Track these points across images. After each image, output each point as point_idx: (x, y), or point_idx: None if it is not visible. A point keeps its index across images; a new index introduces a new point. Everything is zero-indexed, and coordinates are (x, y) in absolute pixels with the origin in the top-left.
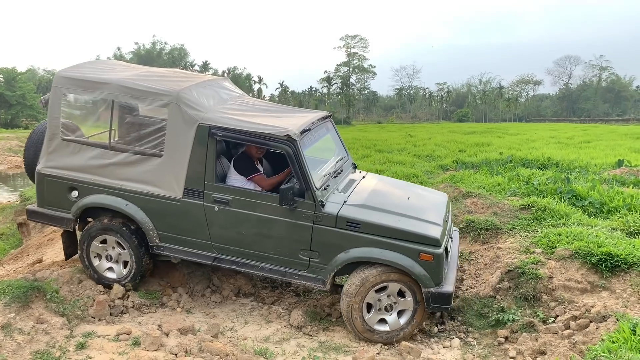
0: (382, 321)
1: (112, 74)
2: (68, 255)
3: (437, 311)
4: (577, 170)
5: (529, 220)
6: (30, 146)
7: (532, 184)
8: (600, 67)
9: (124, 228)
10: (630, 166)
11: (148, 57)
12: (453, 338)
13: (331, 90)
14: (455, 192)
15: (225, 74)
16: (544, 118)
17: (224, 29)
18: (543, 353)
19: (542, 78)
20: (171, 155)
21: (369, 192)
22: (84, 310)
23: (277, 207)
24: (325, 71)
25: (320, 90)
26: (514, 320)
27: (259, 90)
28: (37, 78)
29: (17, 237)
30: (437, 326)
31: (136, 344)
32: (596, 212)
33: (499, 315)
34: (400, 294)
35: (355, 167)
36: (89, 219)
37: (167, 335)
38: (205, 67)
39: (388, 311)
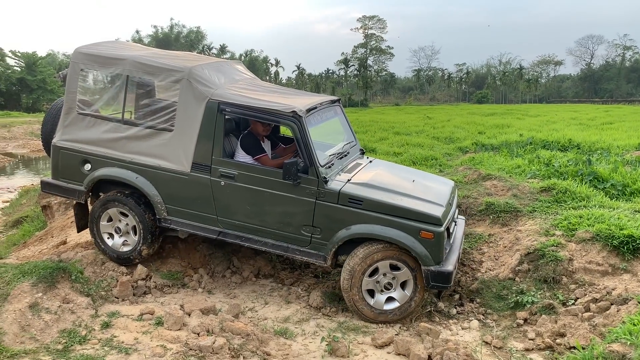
0: (390, 300)
1: (128, 52)
2: (80, 228)
3: (436, 289)
4: (598, 152)
5: (549, 202)
6: (48, 121)
7: (553, 166)
8: (624, 46)
9: (129, 199)
10: None
11: (166, 40)
12: (472, 319)
13: (348, 72)
14: (474, 175)
15: (242, 58)
16: (565, 99)
17: (242, 13)
18: (562, 335)
19: (564, 58)
20: (181, 130)
21: (373, 174)
22: (107, 290)
23: (281, 182)
24: (343, 53)
25: (338, 73)
26: (533, 302)
27: (276, 72)
28: (57, 62)
29: (41, 219)
30: (455, 308)
31: (159, 323)
32: (618, 195)
33: (518, 297)
34: (394, 268)
35: (363, 153)
36: (101, 194)
37: (189, 315)
38: (222, 50)
39: (389, 289)
